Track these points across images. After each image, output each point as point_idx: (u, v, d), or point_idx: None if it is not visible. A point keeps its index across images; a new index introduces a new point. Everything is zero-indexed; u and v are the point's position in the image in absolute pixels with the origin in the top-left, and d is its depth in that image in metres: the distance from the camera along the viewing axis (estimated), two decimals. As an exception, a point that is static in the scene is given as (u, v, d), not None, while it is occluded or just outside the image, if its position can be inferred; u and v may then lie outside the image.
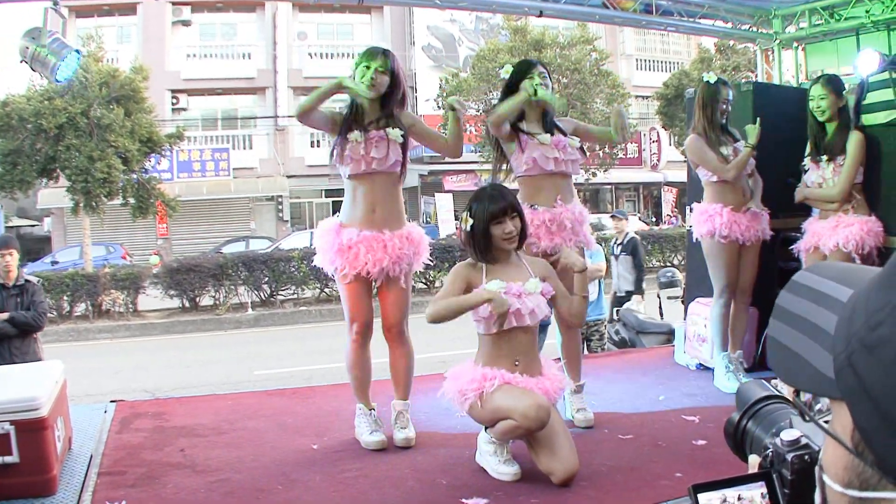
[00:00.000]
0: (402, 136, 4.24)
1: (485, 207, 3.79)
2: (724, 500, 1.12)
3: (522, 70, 4.62)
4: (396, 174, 4.30)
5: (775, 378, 1.39)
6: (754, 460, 1.18)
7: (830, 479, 0.73)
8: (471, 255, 3.90)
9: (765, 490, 1.11)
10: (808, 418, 0.87)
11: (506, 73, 4.66)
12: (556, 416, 3.76)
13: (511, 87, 4.60)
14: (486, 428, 3.76)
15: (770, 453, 1.14)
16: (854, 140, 5.01)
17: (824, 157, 5.08)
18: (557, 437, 3.63)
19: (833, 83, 5.14)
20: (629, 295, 8.83)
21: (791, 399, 1.21)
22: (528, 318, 3.74)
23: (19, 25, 5.53)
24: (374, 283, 4.30)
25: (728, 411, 4.36)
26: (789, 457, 1.09)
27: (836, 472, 0.72)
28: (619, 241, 9.23)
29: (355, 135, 4.13)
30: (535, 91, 4.41)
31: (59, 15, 5.46)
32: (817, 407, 0.88)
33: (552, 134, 4.52)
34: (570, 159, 4.53)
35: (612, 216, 10.27)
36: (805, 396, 0.89)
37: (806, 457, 1.07)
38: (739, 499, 1.11)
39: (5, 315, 5.57)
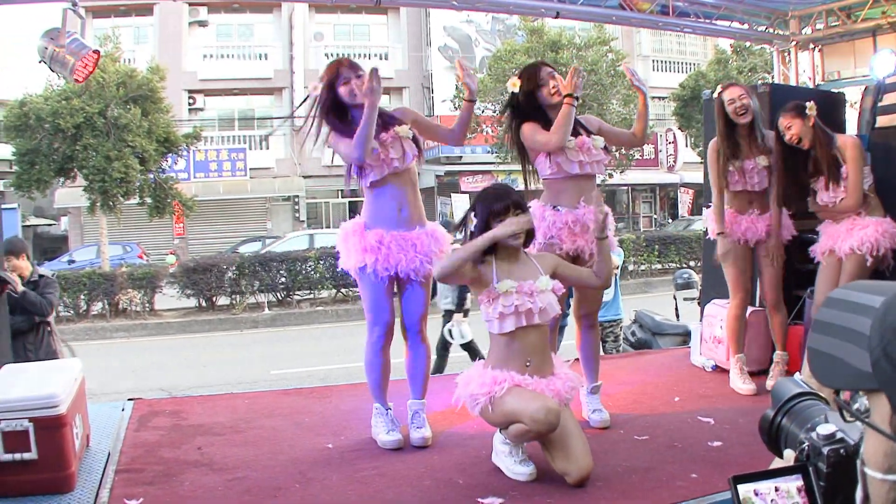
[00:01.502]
0: (409, 129, 4.26)
1: (488, 206, 3.76)
2: (762, 492, 1.13)
3: (529, 78, 4.49)
4: (415, 171, 4.33)
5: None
6: (789, 454, 1.20)
7: (871, 468, 0.76)
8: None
9: (801, 483, 1.13)
10: (847, 415, 0.91)
11: (513, 86, 4.49)
12: (570, 417, 3.75)
13: (527, 97, 4.52)
14: (500, 429, 3.77)
15: (806, 447, 1.16)
16: (849, 146, 4.93)
17: (823, 179, 5.01)
18: (571, 438, 3.62)
19: (791, 109, 4.98)
20: (449, 315, 7.90)
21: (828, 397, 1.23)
22: (539, 316, 3.71)
23: (38, 26, 5.58)
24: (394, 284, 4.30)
25: (743, 412, 4.33)
26: (825, 450, 1.11)
27: (876, 460, 0.76)
28: None
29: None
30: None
31: (78, 15, 5.49)
32: (854, 407, 0.90)
33: (578, 135, 4.46)
34: (594, 161, 4.47)
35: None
36: (842, 395, 0.93)
37: (841, 450, 1.09)
38: (777, 490, 1.13)
39: (21, 288, 5.44)
